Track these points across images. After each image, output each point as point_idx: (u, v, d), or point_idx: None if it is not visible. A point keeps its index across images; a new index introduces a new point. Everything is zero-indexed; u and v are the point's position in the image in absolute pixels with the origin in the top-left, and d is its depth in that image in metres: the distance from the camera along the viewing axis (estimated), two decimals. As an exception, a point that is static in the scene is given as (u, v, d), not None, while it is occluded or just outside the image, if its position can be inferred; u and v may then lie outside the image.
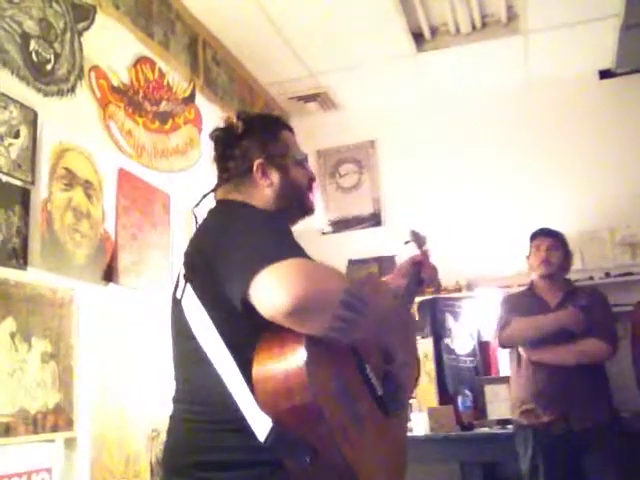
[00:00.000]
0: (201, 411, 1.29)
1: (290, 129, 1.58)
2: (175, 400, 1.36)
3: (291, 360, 1.13)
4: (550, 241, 2.99)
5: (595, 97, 4.13)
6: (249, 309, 1.15)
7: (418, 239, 1.81)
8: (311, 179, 1.56)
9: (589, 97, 4.14)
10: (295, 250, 1.21)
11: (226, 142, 1.52)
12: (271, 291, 1.12)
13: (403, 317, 1.60)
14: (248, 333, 1.18)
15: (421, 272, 1.72)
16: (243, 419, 1.17)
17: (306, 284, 1.11)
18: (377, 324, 1.29)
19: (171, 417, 1.36)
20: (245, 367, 1.17)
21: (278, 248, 1.19)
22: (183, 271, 1.35)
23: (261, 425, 1.14)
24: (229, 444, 1.21)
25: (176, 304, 1.36)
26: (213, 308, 1.26)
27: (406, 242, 1.80)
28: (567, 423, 2.74)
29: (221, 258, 1.24)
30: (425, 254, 1.78)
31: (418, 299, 3.47)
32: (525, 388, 2.89)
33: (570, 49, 3.92)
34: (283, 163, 1.49)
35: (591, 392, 2.77)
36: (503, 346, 3.07)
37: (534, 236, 3.07)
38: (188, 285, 1.31)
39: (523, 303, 3.01)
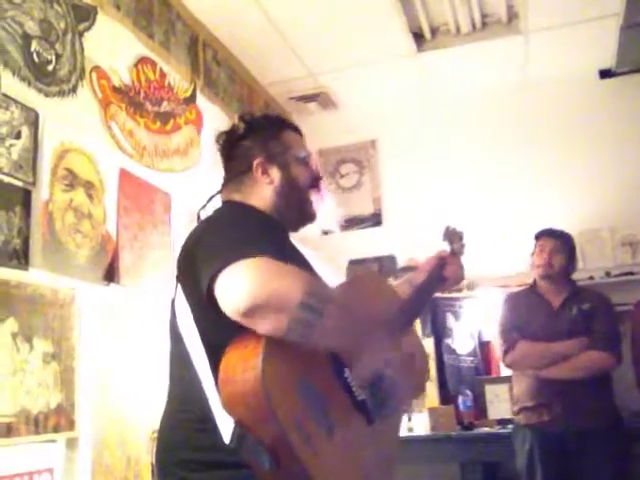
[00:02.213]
0: (183, 410, 1.31)
1: (295, 129, 1.58)
2: (166, 399, 1.38)
3: (249, 360, 1.12)
4: (554, 243, 2.95)
5: (595, 97, 4.13)
6: (217, 304, 1.16)
7: (451, 236, 1.80)
8: (316, 178, 1.54)
9: (589, 97, 4.14)
10: (269, 248, 1.18)
11: (229, 143, 1.53)
12: (229, 290, 1.14)
13: (402, 318, 1.53)
14: (225, 333, 1.18)
15: (444, 269, 1.72)
16: (215, 420, 1.17)
17: (262, 284, 1.11)
18: (348, 330, 1.25)
19: (162, 416, 1.38)
20: (217, 367, 1.18)
21: (248, 245, 1.18)
22: (176, 272, 1.38)
23: (226, 426, 1.14)
24: (211, 444, 1.20)
25: (172, 306, 1.38)
26: (195, 306, 1.28)
27: (443, 240, 1.79)
28: (565, 423, 2.72)
29: (198, 254, 1.26)
30: (455, 252, 1.78)
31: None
32: (525, 387, 2.89)
33: (570, 49, 3.92)
34: (284, 161, 1.49)
35: (592, 393, 2.75)
36: (508, 367, 3.04)
37: (539, 235, 3.02)
38: (178, 286, 1.34)
39: (525, 303, 2.99)
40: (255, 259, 1.14)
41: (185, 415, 1.29)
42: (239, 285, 1.12)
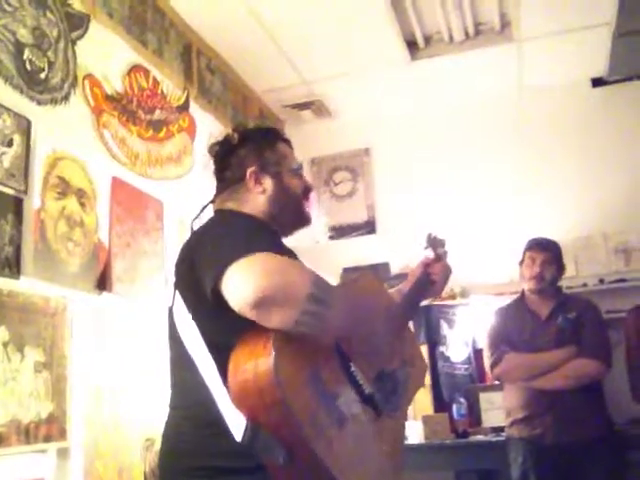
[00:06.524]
0: (189, 415, 1.31)
1: (287, 141, 1.61)
2: (169, 405, 1.39)
3: (260, 357, 1.14)
4: (546, 255, 2.91)
5: (587, 105, 4.15)
6: (223, 304, 1.17)
7: (433, 242, 1.85)
8: (307, 189, 1.58)
9: (581, 105, 4.16)
10: (268, 247, 1.21)
11: (223, 152, 1.56)
12: (237, 284, 1.15)
13: (399, 318, 1.59)
14: (229, 334, 1.19)
15: (431, 274, 1.76)
16: (224, 421, 1.18)
17: (271, 277, 1.13)
18: (352, 321, 1.31)
19: (165, 422, 1.38)
20: (225, 368, 1.19)
21: (249, 245, 1.21)
22: (173, 279, 1.39)
23: (237, 424, 1.15)
24: (219, 449, 1.22)
25: (170, 312, 1.40)
26: (197, 310, 1.29)
27: (425, 247, 1.84)
28: (557, 435, 2.70)
29: (198, 258, 1.28)
30: (439, 256, 1.81)
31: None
32: (516, 398, 2.88)
33: (563, 57, 3.94)
34: (277, 171, 1.52)
35: (584, 403, 2.73)
36: (497, 379, 3.05)
37: (530, 247, 2.97)
38: (177, 292, 1.36)
39: (513, 315, 2.98)
40: (258, 255, 1.16)
41: (191, 421, 1.30)
42: (246, 279, 1.13)
